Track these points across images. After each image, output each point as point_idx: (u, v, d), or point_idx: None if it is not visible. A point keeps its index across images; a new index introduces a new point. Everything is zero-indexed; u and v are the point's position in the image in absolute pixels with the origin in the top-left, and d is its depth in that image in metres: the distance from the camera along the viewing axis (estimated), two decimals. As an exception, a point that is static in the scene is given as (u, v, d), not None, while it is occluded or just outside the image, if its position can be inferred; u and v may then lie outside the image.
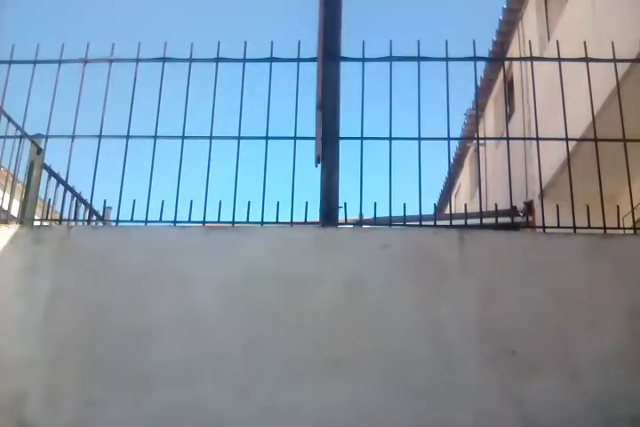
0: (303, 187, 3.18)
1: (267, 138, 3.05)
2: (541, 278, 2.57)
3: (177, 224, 2.95)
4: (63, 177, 3.43)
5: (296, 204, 2.94)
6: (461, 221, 2.98)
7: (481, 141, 11.40)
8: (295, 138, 3.03)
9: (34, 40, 3.25)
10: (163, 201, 2.99)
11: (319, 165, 2.92)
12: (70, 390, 2.47)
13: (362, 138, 2.99)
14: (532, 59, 3.38)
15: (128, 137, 3.12)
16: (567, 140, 3.07)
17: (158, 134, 3.11)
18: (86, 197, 3.71)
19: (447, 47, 3.09)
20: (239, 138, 3.06)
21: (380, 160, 3.00)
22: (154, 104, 3.13)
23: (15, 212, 3.39)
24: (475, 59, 3.17)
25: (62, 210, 3.62)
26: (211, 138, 3.05)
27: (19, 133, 3.42)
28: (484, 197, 3.40)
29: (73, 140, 3.15)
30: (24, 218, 3.32)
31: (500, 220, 3.54)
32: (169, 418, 2.41)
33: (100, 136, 3.13)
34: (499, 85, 12.48)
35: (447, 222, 2.96)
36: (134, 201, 2.97)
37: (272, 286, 2.59)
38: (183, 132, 3.09)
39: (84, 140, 3.18)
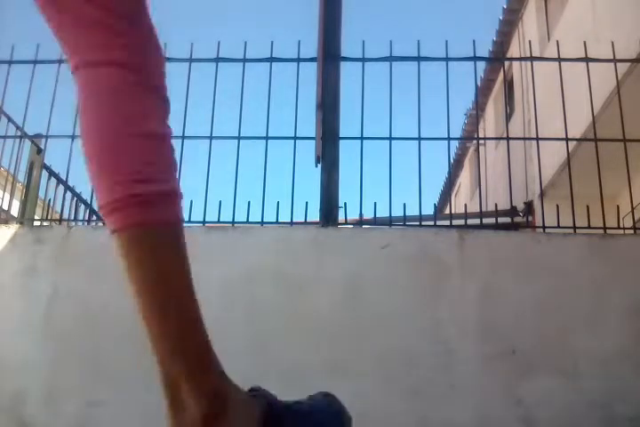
0: (303, 187, 3.18)
1: (267, 138, 3.05)
2: (541, 278, 2.57)
3: (177, 224, 2.94)
4: (63, 177, 3.44)
5: (296, 204, 2.94)
6: (461, 221, 2.98)
7: (481, 141, 11.42)
8: (295, 138, 3.04)
9: (34, 40, 3.25)
10: (163, 201, 2.98)
11: (319, 165, 2.92)
12: (70, 389, 2.47)
13: (362, 138, 2.99)
14: (532, 59, 3.38)
15: (128, 137, 3.11)
16: (567, 140, 3.07)
17: (158, 134, 3.10)
18: (86, 197, 3.72)
19: (447, 47, 3.10)
20: (239, 138, 3.06)
21: (380, 160, 3.00)
22: (154, 104, 3.13)
23: (15, 212, 3.39)
24: (475, 59, 3.17)
25: (62, 210, 3.62)
26: (211, 138, 3.05)
27: (19, 133, 3.42)
28: (484, 197, 3.40)
29: (73, 140, 3.15)
30: (24, 218, 3.32)
31: (500, 220, 3.54)
32: (169, 418, 2.41)
33: (99, 136, 3.12)
34: (499, 85, 12.48)
35: (447, 222, 2.96)
36: (134, 201, 2.97)
37: (272, 286, 2.59)
38: (183, 132, 3.09)
39: (84, 140, 3.17)
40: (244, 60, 3.15)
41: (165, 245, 0.84)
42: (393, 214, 2.92)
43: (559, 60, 3.19)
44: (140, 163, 0.82)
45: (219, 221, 2.99)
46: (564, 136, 3.07)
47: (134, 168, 0.81)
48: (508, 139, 3.45)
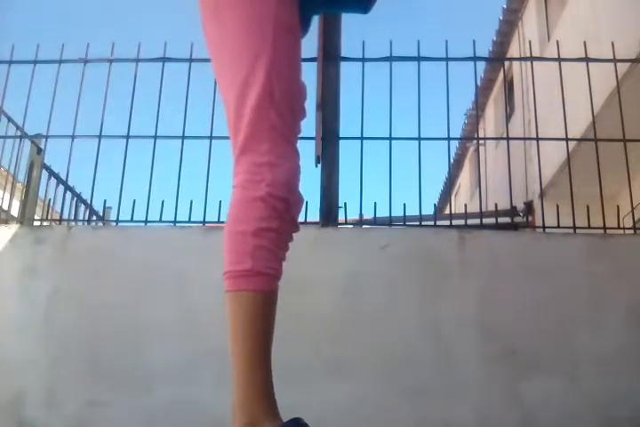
0: (303, 187, 3.16)
1: (267, 138, 3.04)
2: (541, 278, 2.57)
3: (177, 224, 2.95)
4: (63, 177, 3.44)
5: (296, 204, 2.93)
6: (461, 221, 2.98)
7: (481, 141, 11.43)
8: (295, 138, 3.03)
9: (34, 40, 3.25)
10: (163, 201, 2.99)
11: (319, 165, 2.92)
12: (70, 390, 2.47)
13: (362, 138, 2.98)
14: (532, 59, 3.38)
15: (128, 137, 3.11)
16: (567, 140, 3.07)
17: (158, 134, 3.11)
18: (86, 197, 3.72)
19: (447, 47, 3.10)
20: (239, 138, 3.05)
21: (380, 160, 3.00)
22: (154, 104, 3.13)
23: (15, 212, 3.39)
24: (475, 59, 3.17)
25: (62, 210, 3.62)
26: (211, 138, 3.05)
27: (19, 133, 3.42)
28: (484, 197, 3.40)
29: (73, 140, 3.15)
30: (24, 218, 3.32)
31: (500, 220, 3.53)
32: (169, 418, 2.41)
33: (100, 136, 3.13)
34: (499, 85, 12.49)
35: (447, 222, 2.96)
36: (134, 201, 2.97)
37: (272, 286, 2.59)
38: (183, 132, 3.08)
39: (84, 140, 3.18)
40: (245, 60, 3.14)
41: (266, 305, 1.54)
42: (393, 214, 2.92)
43: (559, 60, 3.19)
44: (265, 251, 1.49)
45: (219, 221, 2.99)
46: (564, 136, 3.07)
47: (262, 256, 1.48)
48: (508, 139, 3.45)
